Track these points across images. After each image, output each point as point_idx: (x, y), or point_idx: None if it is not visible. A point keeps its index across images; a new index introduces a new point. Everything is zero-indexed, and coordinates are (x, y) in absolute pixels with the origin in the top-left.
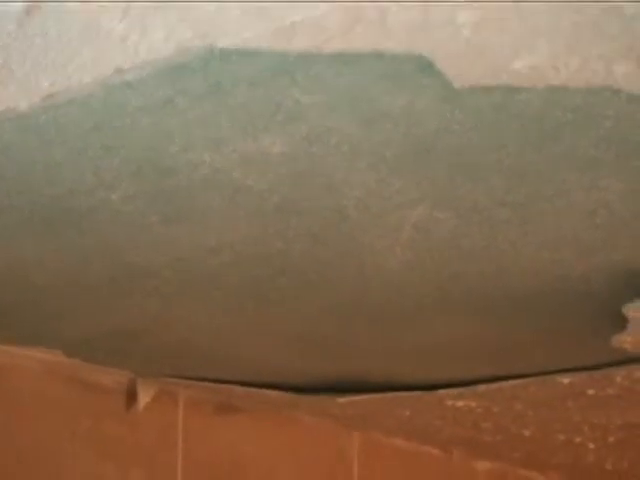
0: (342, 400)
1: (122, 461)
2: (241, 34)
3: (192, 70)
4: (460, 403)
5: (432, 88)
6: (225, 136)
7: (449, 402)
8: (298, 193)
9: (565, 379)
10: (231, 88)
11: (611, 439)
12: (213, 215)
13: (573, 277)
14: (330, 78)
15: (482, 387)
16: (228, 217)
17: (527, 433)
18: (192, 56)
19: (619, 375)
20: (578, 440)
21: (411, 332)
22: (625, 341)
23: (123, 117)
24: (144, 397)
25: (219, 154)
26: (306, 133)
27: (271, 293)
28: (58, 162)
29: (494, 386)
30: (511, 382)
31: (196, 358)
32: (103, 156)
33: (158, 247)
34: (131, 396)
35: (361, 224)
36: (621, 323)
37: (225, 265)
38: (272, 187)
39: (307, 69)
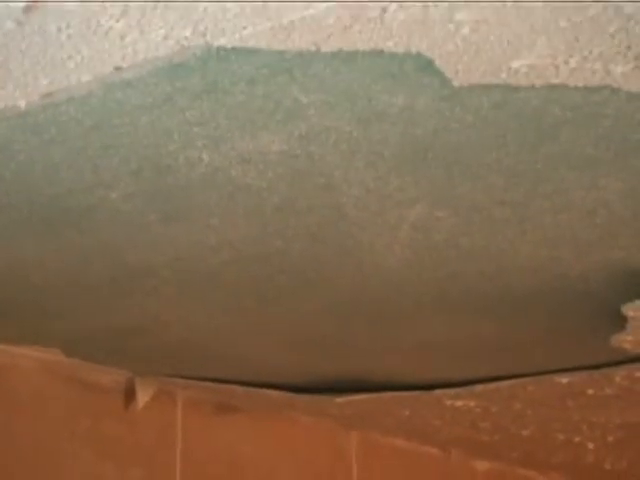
0: (340, 400)
1: (121, 460)
2: (239, 32)
3: (191, 68)
4: (459, 403)
5: (431, 87)
6: (224, 134)
7: (448, 402)
8: (297, 191)
9: (564, 379)
10: (230, 86)
11: (610, 439)
12: (212, 214)
13: (572, 276)
14: (329, 76)
15: (480, 387)
16: (227, 216)
17: (526, 433)
18: (191, 54)
19: (618, 375)
20: (577, 440)
21: (410, 331)
22: (625, 341)
23: (122, 116)
24: (143, 397)
25: (218, 152)
26: (305, 132)
27: (270, 292)
28: (57, 161)
29: (492, 386)
30: (509, 382)
31: (195, 358)
32: (102, 155)
33: (157, 246)
34: (130, 396)
35: (360, 222)
36: (620, 323)
37: (224, 264)
38: (271, 185)
39: (306, 67)
